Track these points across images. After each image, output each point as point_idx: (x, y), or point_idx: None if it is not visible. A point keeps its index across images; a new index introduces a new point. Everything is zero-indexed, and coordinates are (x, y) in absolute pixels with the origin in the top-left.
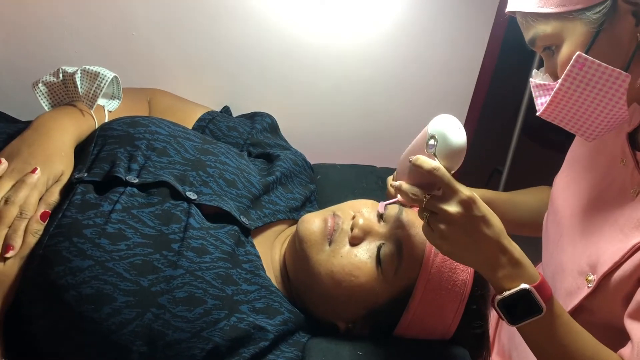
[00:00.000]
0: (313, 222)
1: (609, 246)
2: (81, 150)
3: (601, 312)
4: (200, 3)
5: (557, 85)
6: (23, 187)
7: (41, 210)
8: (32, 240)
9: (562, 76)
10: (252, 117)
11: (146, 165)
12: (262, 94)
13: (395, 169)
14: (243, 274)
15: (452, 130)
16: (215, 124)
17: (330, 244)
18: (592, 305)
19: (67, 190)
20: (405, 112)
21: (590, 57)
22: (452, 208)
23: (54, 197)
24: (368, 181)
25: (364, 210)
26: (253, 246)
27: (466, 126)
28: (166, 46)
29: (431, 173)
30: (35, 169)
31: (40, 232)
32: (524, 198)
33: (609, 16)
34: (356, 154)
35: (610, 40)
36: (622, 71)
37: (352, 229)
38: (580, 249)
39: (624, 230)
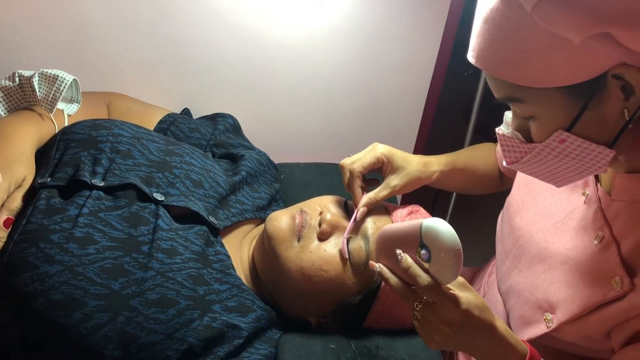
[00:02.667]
0: (281, 219)
1: (569, 292)
2: (42, 155)
3: (560, 342)
4: (156, 5)
5: (531, 155)
6: None
7: (3, 217)
8: None
9: (538, 148)
10: (214, 118)
11: (111, 168)
12: (222, 95)
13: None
14: (214, 273)
15: (450, 250)
16: (176, 125)
17: (299, 240)
18: (551, 337)
19: (30, 196)
20: (364, 110)
21: (572, 135)
22: (447, 317)
23: (17, 203)
24: (332, 178)
25: (330, 206)
26: (222, 246)
27: (423, 126)
28: (123, 50)
29: (422, 288)
30: None
31: (4, 240)
32: (478, 153)
33: (597, 93)
34: (319, 152)
35: (596, 117)
36: (606, 147)
37: (319, 225)
38: (539, 281)
39: (585, 279)
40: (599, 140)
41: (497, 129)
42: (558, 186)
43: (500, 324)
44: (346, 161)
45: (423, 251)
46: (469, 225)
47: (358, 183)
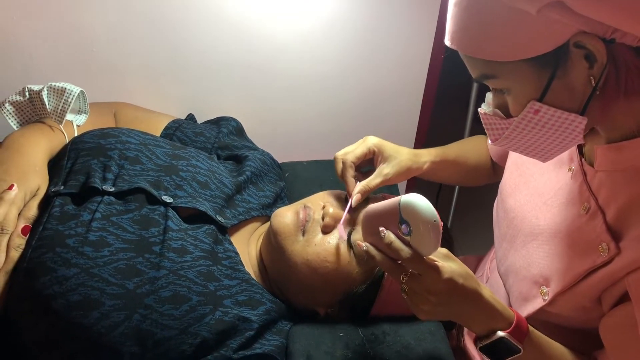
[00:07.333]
0: (286, 215)
1: (561, 263)
2: (54, 165)
3: (556, 317)
4: (156, 14)
5: (510, 129)
6: (1, 204)
7: (21, 224)
8: (15, 254)
9: (515, 121)
10: (218, 122)
11: (121, 174)
12: (225, 99)
13: None
14: (223, 270)
15: (428, 223)
16: (182, 131)
17: (303, 234)
18: (548, 312)
19: (45, 204)
20: (363, 107)
21: (545, 105)
22: (432, 287)
23: (33, 211)
24: (334, 174)
25: (332, 200)
26: (231, 243)
27: (422, 119)
28: (127, 60)
29: (405, 261)
30: (12, 185)
31: (23, 246)
32: (469, 145)
33: (562, 62)
34: (321, 150)
35: (564, 86)
36: (578, 115)
37: (323, 218)
38: (534, 257)
39: (574, 249)
40: (570, 108)
41: (479, 109)
42: (543, 161)
43: (486, 292)
44: (339, 153)
45: (403, 226)
46: (473, 214)
47: (351, 173)
